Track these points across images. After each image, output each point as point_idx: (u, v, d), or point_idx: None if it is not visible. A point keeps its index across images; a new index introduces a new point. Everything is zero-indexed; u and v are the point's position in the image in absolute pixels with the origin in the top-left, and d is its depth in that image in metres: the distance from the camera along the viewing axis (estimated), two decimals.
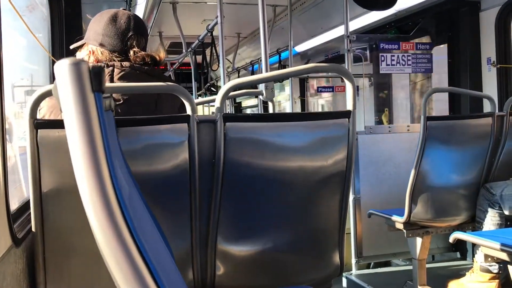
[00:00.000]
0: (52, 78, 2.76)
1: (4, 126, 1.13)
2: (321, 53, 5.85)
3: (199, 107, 6.10)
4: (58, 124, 1.25)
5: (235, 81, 1.45)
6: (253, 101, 8.70)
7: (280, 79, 4.10)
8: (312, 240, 1.62)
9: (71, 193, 1.20)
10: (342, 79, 1.79)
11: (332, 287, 1.71)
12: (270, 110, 2.20)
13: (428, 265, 2.85)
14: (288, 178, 1.52)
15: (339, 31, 4.48)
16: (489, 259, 2.35)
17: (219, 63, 4.13)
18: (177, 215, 1.43)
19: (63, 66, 0.52)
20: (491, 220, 2.63)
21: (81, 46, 1.72)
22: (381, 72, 4.01)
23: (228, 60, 6.61)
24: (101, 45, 1.64)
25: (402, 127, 3.42)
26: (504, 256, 2.13)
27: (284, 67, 5.47)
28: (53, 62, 2.72)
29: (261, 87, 2.06)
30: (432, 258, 3.63)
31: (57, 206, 1.25)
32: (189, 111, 1.37)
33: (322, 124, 1.54)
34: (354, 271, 3.27)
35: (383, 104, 5.33)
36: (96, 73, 0.53)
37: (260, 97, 2.10)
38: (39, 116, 1.27)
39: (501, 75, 3.41)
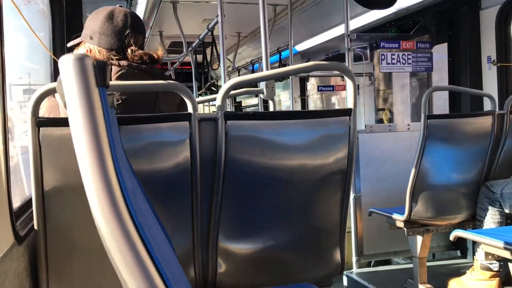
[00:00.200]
0: (54, 77, 2.76)
1: (7, 125, 1.13)
2: (321, 52, 5.85)
3: (200, 107, 6.10)
4: (60, 122, 1.25)
5: (236, 79, 1.45)
6: (253, 101, 8.70)
7: (281, 77, 4.11)
8: (313, 238, 1.63)
9: (73, 191, 1.21)
10: (342, 77, 1.80)
11: (333, 285, 1.71)
12: (271, 109, 2.20)
13: (428, 263, 2.85)
14: (289, 176, 1.52)
15: (339, 30, 4.48)
16: (490, 257, 2.36)
17: (219, 62, 4.13)
18: (178, 213, 1.44)
19: (68, 61, 0.53)
20: (491, 218, 2.63)
21: (78, 44, 1.70)
22: (381, 71, 4.02)
23: (229, 60, 6.61)
24: (98, 43, 1.62)
25: (402, 125, 3.43)
26: (504, 254, 2.13)
27: (284, 66, 5.47)
28: (54, 61, 2.72)
29: (262, 85, 2.06)
30: (432, 256, 3.63)
31: (59, 204, 1.26)
32: (190, 109, 1.38)
33: (323, 122, 1.54)
34: (354, 269, 3.28)
35: (384, 103, 5.34)
36: (101, 68, 0.53)
37: (261, 95, 2.11)
38: None
39: (501, 74, 3.41)
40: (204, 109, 8.29)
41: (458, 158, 2.75)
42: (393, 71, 4.24)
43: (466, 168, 2.77)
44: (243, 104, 9.43)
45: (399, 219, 2.72)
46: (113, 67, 1.56)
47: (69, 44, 1.75)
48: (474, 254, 2.77)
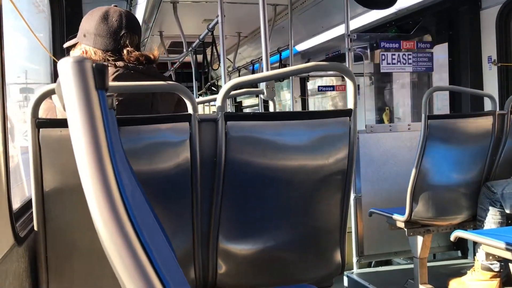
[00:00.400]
0: (54, 78, 2.76)
1: (6, 126, 1.13)
2: (321, 52, 5.85)
3: (200, 107, 6.10)
4: (60, 123, 1.25)
5: (236, 80, 1.45)
6: (253, 101, 8.70)
7: (281, 78, 4.11)
8: (314, 238, 1.63)
9: (73, 192, 1.20)
10: (343, 78, 1.80)
11: (333, 286, 1.71)
12: (271, 110, 2.20)
13: (429, 264, 2.85)
14: (289, 176, 1.52)
15: (339, 30, 4.48)
16: (490, 257, 2.35)
17: (219, 62, 4.13)
18: (178, 214, 1.44)
19: (67, 64, 0.52)
20: (492, 218, 2.63)
21: (74, 45, 1.69)
22: (381, 71, 4.01)
23: (229, 60, 6.61)
24: (94, 44, 1.60)
25: (403, 125, 3.42)
26: (505, 254, 2.13)
27: (284, 66, 5.47)
28: (54, 62, 2.72)
29: (262, 86, 2.06)
30: (433, 257, 3.63)
31: (59, 205, 1.26)
32: (190, 110, 1.38)
33: (323, 122, 1.54)
34: (355, 269, 3.28)
35: (384, 103, 5.34)
36: (100, 71, 0.53)
37: (261, 96, 2.11)
38: None
39: (502, 74, 3.40)
40: (205, 110, 8.29)
41: (459, 158, 2.74)
42: (394, 71, 4.23)
43: (466, 168, 2.77)
44: (243, 105, 9.43)
45: (400, 220, 2.72)
46: (109, 68, 1.55)
47: (65, 45, 1.74)
48: (474, 254, 2.77)
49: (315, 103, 7.43)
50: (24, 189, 2.04)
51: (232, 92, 1.54)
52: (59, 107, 1.51)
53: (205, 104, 7.70)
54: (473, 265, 2.71)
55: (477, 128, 2.72)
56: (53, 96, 1.43)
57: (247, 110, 9.27)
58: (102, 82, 0.53)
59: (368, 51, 4.69)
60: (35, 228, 1.25)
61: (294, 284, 1.57)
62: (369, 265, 3.54)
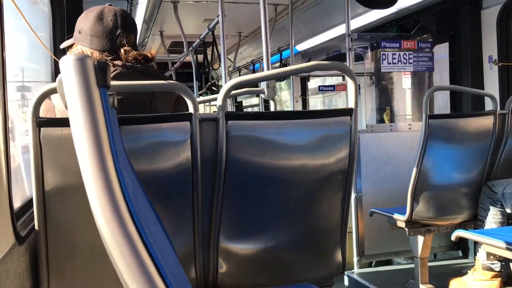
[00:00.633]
0: (54, 77, 2.76)
1: (7, 125, 1.13)
2: (322, 52, 5.85)
3: (200, 107, 6.10)
4: (61, 122, 1.25)
5: (237, 79, 1.45)
6: (254, 100, 8.70)
7: (282, 77, 4.11)
8: (314, 238, 1.63)
9: (74, 191, 1.20)
10: (343, 77, 1.79)
11: (334, 286, 1.71)
12: (272, 109, 2.20)
13: (430, 264, 2.85)
14: (290, 176, 1.52)
15: (340, 30, 4.48)
16: (491, 257, 2.35)
17: (220, 62, 4.12)
18: (179, 213, 1.44)
19: (68, 61, 0.52)
20: (493, 218, 2.62)
21: (71, 46, 1.68)
22: (382, 70, 4.01)
23: (229, 59, 6.61)
24: (90, 45, 1.60)
25: (403, 125, 3.42)
26: (506, 254, 2.13)
27: (285, 66, 5.46)
28: (55, 61, 2.72)
29: (263, 85, 2.06)
30: (434, 257, 3.63)
31: (60, 204, 1.25)
32: (191, 109, 1.37)
33: (324, 122, 1.54)
34: (356, 269, 3.27)
35: (385, 103, 5.33)
36: (101, 68, 0.53)
37: (262, 95, 2.11)
38: None
39: (502, 73, 3.40)
40: (205, 109, 8.29)
41: (460, 158, 2.74)
42: (394, 70, 4.23)
43: (467, 168, 2.77)
44: (244, 104, 9.43)
45: (401, 219, 2.72)
46: None
47: (62, 46, 1.73)
48: (475, 254, 2.76)
49: (318, 103, 7.43)
50: (25, 188, 2.04)
51: (233, 92, 1.54)
52: (58, 107, 1.51)
53: (206, 104, 7.70)
54: (474, 265, 2.71)
55: (478, 128, 2.72)
56: (52, 96, 1.43)
57: (247, 110, 9.26)
58: (104, 80, 0.53)
59: (369, 50, 4.69)
60: (36, 227, 1.25)
61: (294, 284, 1.57)
62: (369, 265, 3.54)
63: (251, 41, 6.18)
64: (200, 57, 5.45)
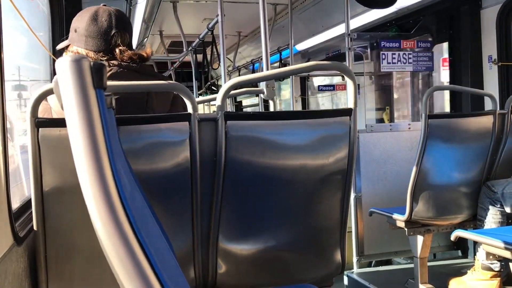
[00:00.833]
0: (53, 76, 2.76)
1: (5, 125, 1.13)
2: (322, 51, 5.85)
3: (200, 106, 6.10)
4: (59, 122, 1.25)
5: (236, 79, 1.45)
6: (254, 100, 8.70)
7: (281, 77, 4.10)
8: (314, 238, 1.62)
9: (73, 191, 1.20)
10: (343, 77, 1.79)
11: (333, 285, 1.71)
12: (271, 109, 2.20)
13: (429, 263, 2.85)
14: (290, 176, 1.52)
15: (340, 30, 4.48)
16: (491, 257, 2.35)
17: (219, 62, 4.12)
18: (178, 213, 1.43)
19: (65, 63, 0.52)
20: (492, 218, 2.62)
21: (67, 47, 1.68)
22: (382, 70, 4.01)
23: (229, 59, 6.61)
24: (85, 46, 1.60)
25: (403, 125, 3.42)
26: (505, 254, 2.13)
27: (285, 65, 5.46)
28: (54, 61, 2.72)
29: (262, 85, 2.06)
30: (433, 256, 3.63)
31: (59, 204, 1.25)
32: (190, 109, 1.37)
33: (323, 122, 1.54)
34: (355, 269, 3.27)
35: (384, 103, 5.33)
36: (98, 70, 0.53)
37: (261, 95, 2.11)
38: None
39: (502, 73, 3.40)
40: (205, 109, 8.29)
41: (459, 158, 2.74)
42: (394, 70, 4.23)
43: (467, 168, 2.77)
44: (243, 104, 9.42)
45: (400, 219, 2.72)
46: None
47: (58, 47, 1.73)
48: (475, 254, 2.76)
49: (318, 103, 7.42)
50: (23, 189, 2.04)
51: (232, 92, 1.53)
52: (54, 108, 1.50)
53: (205, 103, 7.70)
54: (473, 265, 2.71)
55: (478, 128, 2.72)
56: (49, 98, 1.42)
57: (247, 110, 9.26)
58: (100, 81, 0.53)
59: (369, 50, 4.69)
60: (35, 227, 1.24)
61: (294, 284, 1.57)
62: (369, 265, 3.54)
63: (250, 41, 6.17)
64: (200, 57, 5.45)
